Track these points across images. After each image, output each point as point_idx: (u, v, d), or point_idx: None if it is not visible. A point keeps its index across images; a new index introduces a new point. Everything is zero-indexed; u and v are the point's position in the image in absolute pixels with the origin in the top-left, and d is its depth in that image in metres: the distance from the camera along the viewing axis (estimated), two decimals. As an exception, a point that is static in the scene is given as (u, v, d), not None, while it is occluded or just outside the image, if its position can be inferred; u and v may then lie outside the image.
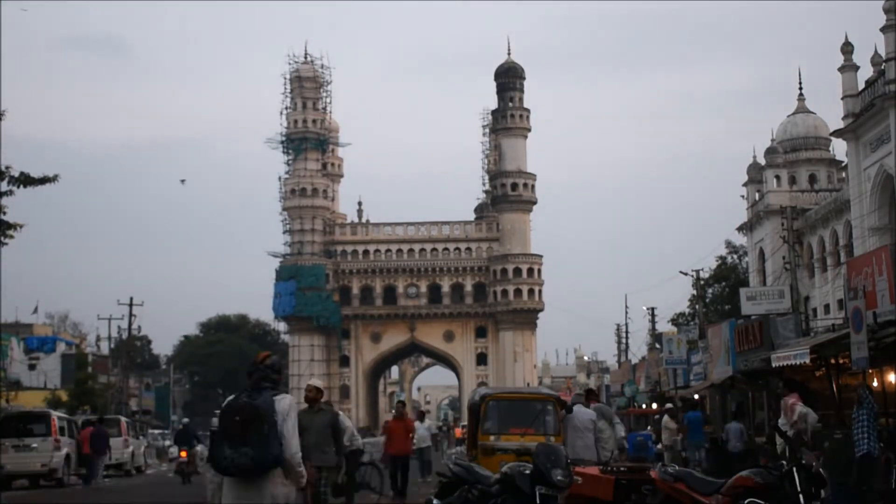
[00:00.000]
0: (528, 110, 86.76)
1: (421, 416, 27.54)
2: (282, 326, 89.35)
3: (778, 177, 46.60)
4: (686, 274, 47.49)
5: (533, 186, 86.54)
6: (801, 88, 49.25)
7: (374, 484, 16.63)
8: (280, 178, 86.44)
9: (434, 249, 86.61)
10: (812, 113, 49.29)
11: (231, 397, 6.56)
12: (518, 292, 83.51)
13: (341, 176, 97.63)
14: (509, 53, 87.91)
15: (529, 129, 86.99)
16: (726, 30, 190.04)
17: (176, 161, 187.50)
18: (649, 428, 33.72)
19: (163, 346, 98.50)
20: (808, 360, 17.72)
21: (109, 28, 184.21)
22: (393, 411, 19.75)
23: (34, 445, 24.06)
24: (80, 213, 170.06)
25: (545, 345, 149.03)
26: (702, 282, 49.86)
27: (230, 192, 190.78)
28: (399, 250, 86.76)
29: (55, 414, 26.52)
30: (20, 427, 24.57)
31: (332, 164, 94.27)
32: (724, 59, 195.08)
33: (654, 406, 41.50)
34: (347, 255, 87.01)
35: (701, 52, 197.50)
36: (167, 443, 41.61)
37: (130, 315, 49.30)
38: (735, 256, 56.86)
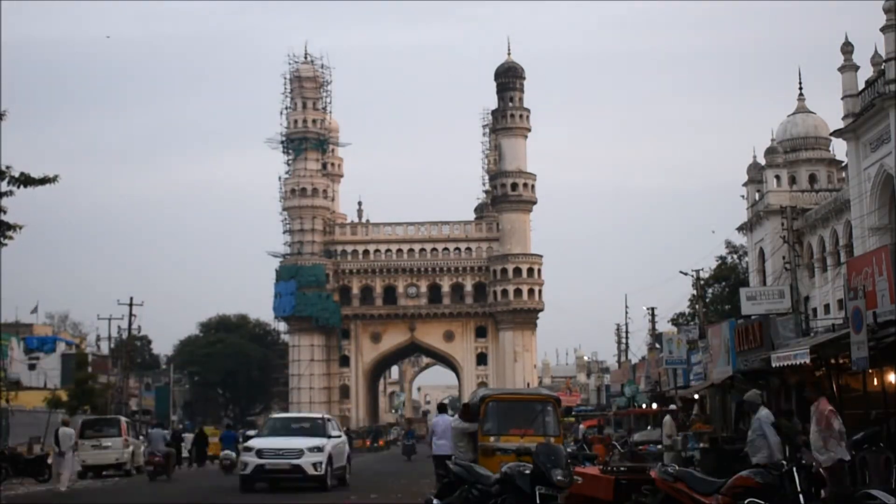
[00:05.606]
0: (528, 110, 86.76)
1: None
2: (282, 326, 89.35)
3: (778, 177, 46.56)
4: (686, 274, 47.56)
5: (533, 186, 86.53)
6: (801, 88, 49.23)
7: None
8: (280, 178, 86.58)
9: (434, 249, 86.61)
10: (812, 113, 49.24)
11: None
12: (518, 292, 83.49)
13: (341, 176, 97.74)
14: (509, 53, 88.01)
15: (529, 129, 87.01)
16: (726, 29, 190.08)
17: (175, 160, 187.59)
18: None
19: (163, 346, 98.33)
20: (808, 360, 17.75)
21: (108, 29, 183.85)
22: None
23: (108, 444, 29.80)
24: (79, 213, 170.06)
25: (545, 345, 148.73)
26: (702, 282, 49.87)
27: (230, 192, 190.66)
28: (399, 250, 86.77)
29: (123, 419, 32.37)
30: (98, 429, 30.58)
31: (332, 164, 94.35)
32: (724, 58, 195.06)
33: (655, 406, 41.51)
34: (347, 255, 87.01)
35: (700, 52, 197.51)
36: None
37: (130, 315, 49.27)
38: (735, 256, 56.81)
